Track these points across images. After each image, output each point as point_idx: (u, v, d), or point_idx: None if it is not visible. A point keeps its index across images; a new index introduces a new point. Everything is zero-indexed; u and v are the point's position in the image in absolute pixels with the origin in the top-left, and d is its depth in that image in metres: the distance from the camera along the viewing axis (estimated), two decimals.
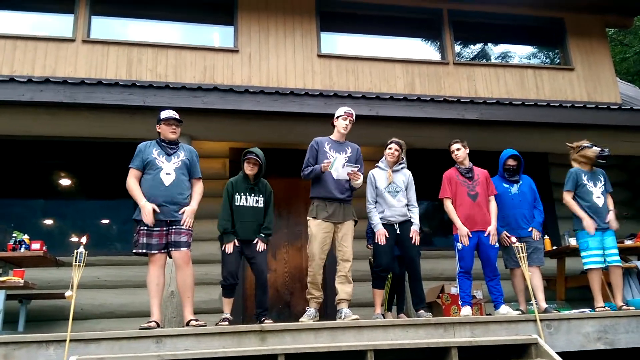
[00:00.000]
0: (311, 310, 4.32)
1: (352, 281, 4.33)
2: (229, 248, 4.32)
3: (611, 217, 4.73)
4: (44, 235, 5.57)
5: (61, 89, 4.99)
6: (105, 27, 6.88)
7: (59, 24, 6.77)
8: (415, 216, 4.61)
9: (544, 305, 4.55)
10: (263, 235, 4.45)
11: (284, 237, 6.35)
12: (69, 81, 5.06)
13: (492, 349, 3.75)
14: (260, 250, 4.40)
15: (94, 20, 6.77)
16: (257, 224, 4.46)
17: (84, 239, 3.55)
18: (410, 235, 4.50)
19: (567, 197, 4.83)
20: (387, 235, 4.45)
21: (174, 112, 4.17)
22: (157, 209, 3.84)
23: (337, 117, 4.54)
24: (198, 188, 4.14)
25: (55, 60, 6.39)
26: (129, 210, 6.00)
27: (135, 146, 4.15)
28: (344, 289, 4.26)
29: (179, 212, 3.94)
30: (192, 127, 5.12)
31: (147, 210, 3.81)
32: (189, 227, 3.94)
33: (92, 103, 5.02)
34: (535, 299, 4.41)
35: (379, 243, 4.46)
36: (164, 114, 4.13)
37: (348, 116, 4.50)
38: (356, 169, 4.30)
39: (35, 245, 4.86)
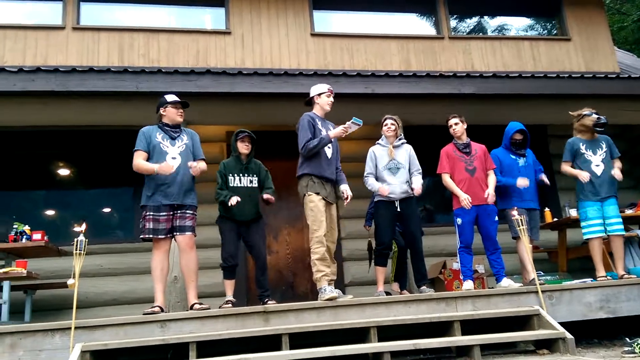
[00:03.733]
0: (328, 287, 3.99)
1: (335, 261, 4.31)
2: (233, 200, 4.24)
3: (616, 171, 4.73)
4: (45, 225, 5.57)
5: (52, 77, 4.92)
6: (94, 13, 6.77)
7: (49, 11, 6.66)
8: (417, 179, 4.54)
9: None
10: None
11: (285, 218, 6.35)
12: (61, 69, 5.00)
13: (494, 322, 3.79)
14: (268, 200, 4.39)
15: (83, 6, 6.66)
16: (253, 203, 4.44)
17: (82, 227, 3.55)
18: (412, 187, 4.48)
19: (564, 167, 4.86)
20: (390, 191, 4.43)
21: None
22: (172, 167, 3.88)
23: (320, 94, 4.38)
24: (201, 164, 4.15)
25: (46, 49, 6.31)
26: (129, 197, 6.06)
27: (130, 132, 4.14)
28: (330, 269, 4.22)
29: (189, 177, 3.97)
30: (186, 112, 5.00)
31: (164, 165, 3.85)
32: (198, 170, 3.99)
33: (84, 90, 4.95)
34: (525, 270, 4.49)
35: (382, 196, 4.43)
36: (170, 97, 4.16)
37: (331, 93, 4.40)
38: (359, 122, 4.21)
39: (37, 236, 4.86)
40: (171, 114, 4.10)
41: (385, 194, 4.41)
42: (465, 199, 4.47)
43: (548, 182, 4.86)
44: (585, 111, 4.86)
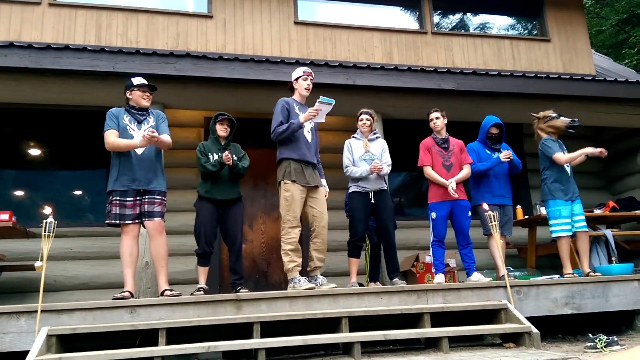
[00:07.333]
0: (301, 277, 4.01)
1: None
2: (229, 159, 4.24)
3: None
4: (13, 206, 5.42)
5: (26, 53, 4.77)
6: None
7: None
8: (387, 166, 4.61)
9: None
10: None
11: (261, 207, 6.32)
12: (35, 45, 4.84)
13: (463, 315, 3.85)
14: (227, 158, 4.26)
15: None
16: (234, 183, 4.42)
17: (49, 209, 3.48)
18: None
19: (562, 156, 4.77)
20: (379, 170, 4.45)
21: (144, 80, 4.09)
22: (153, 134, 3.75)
23: (297, 79, 4.34)
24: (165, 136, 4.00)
25: (20, 24, 6.09)
26: (101, 180, 5.94)
27: (105, 113, 4.04)
28: (319, 257, 4.19)
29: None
30: (164, 95, 4.99)
31: (145, 137, 3.72)
32: (151, 134, 3.74)
33: (59, 69, 4.81)
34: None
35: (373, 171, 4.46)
36: (137, 80, 4.06)
37: (308, 75, 4.33)
38: (332, 102, 4.13)
39: (4, 216, 4.72)
40: (137, 98, 4.00)
41: (379, 167, 4.42)
42: (450, 186, 4.48)
43: (511, 157, 4.76)
44: (552, 113, 4.92)
